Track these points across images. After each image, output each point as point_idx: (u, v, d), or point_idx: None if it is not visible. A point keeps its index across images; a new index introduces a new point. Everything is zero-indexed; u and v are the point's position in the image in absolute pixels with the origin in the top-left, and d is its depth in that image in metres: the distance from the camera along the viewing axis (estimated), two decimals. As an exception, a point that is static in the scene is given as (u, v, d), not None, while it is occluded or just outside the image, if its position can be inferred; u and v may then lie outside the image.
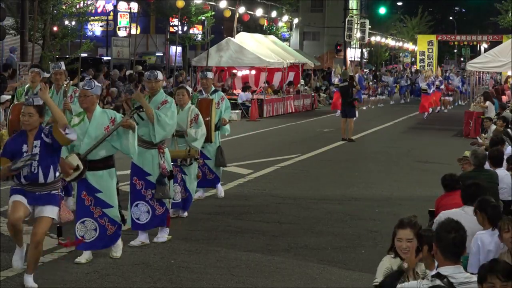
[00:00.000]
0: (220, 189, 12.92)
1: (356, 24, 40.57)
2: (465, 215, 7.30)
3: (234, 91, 32.48)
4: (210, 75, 12.98)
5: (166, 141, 9.91)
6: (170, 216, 9.93)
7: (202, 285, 8.02)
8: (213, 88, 12.90)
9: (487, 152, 10.12)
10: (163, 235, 9.73)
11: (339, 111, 32.13)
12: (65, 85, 11.30)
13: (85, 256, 8.64)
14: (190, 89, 11.58)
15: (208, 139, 11.85)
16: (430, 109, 34.31)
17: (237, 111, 30.50)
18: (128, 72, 29.70)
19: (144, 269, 8.50)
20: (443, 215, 7.44)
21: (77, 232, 8.62)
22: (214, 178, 12.74)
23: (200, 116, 11.14)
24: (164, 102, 9.68)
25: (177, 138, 10.99)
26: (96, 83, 8.77)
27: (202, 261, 8.89)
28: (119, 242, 8.88)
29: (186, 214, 11.23)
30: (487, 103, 23.26)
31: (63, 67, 11.59)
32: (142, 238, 9.60)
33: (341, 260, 9.15)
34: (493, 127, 16.50)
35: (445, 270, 5.05)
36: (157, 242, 9.59)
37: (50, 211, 7.69)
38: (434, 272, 5.29)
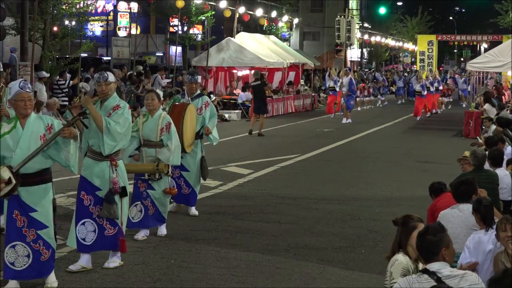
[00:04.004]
0: (193, 211, 11.48)
1: (345, 25, 39.82)
2: (459, 213, 7.39)
3: (234, 91, 32.51)
4: (199, 79, 11.91)
5: (122, 151, 8.64)
6: (124, 240, 8.51)
7: (202, 285, 8.02)
8: (198, 92, 11.78)
9: (486, 152, 10.12)
10: (115, 260, 8.47)
11: (333, 114, 32.16)
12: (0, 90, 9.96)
13: (11, 286, 7.44)
14: (160, 93, 10.56)
15: (181, 149, 10.68)
16: (428, 113, 34.11)
17: (237, 111, 30.55)
18: (129, 72, 29.69)
19: (144, 269, 8.49)
20: (441, 215, 7.49)
21: (6, 258, 7.39)
22: (189, 194, 11.40)
23: (173, 125, 10.05)
24: (115, 107, 8.33)
25: (146, 149, 9.97)
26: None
27: (202, 261, 8.89)
28: (53, 273, 7.67)
29: (164, 231, 10.07)
30: (486, 105, 23.23)
31: (1, 69, 10.62)
32: (83, 261, 8.34)
33: (341, 260, 9.15)
34: (493, 127, 16.49)
35: (431, 266, 5.20)
36: (108, 267, 8.41)
37: None
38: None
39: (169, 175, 10.15)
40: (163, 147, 9.94)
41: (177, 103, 11.37)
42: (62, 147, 7.32)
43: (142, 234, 9.88)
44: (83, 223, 8.29)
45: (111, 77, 8.42)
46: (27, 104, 7.30)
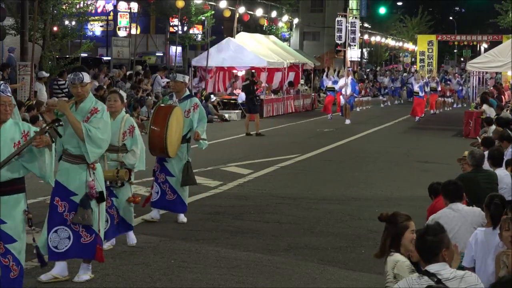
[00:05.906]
0: (182, 217, 10.94)
1: (348, 26, 39.23)
2: (454, 213, 7.41)
3: (234, 91, 32.52)
4: (180, 77, 10.94)
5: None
6: (101, 249, 8.01)
7: (202, 285, 8.02)
8: (187, 93, 11.10)
9: (484, 152, 10.13)
10: (86, 273, 7.97)
11: (330, 115, 32.10)
12: None
13: None
14: (124, 94, 9.78)
15: (163, 153, 10.37)
16: (423, 114, 33.86)
17: (237, 111, 30.56)
18: (128, 72, 29.71)
19: (144, 269, 8.49)
20: (435, 218, 7.48)
21: None
22: (175, 200, 10.81)
23: (137, 128, 9.36)
24: (94, 110, 7.82)
25: (107, 154, 9.05)
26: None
27: (202, 261, 8.89)
28: None
29: (134, 240, 9.52)
30: (484, 106, 23.26)
31: None
32: (56, 271, 7.91)
33: (341, 260, 9.15)
34: (493, 127, 16.50)
35: (432, 267, 5.18)
36: (78, 281, 7.89)
37: None
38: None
39: (131, 182, 9.45)
40: (126, 151, 9.24)
41: (163, 105, 10.91)
42: (37, 156, 6.64)
43: (108, 244, 9.21)
44: (56, 231, 7.82)
45: (86, 78, 7.88)
46: (7, 109, 6.66)
